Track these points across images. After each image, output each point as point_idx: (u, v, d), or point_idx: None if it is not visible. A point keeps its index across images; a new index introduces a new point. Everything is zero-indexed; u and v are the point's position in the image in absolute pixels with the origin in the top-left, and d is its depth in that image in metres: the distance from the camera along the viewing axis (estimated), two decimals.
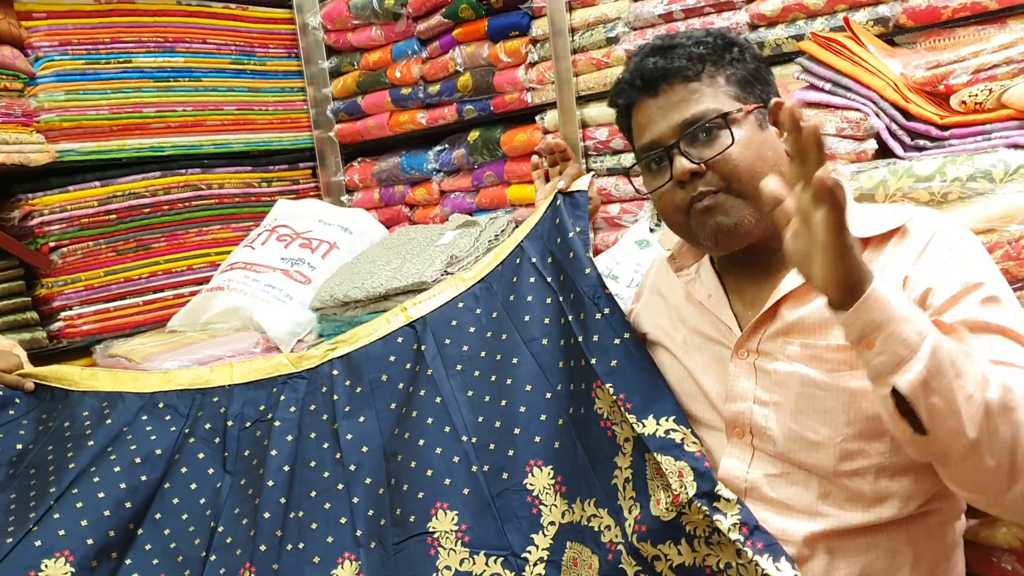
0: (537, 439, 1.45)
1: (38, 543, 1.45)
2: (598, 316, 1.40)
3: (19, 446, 1.66)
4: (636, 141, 1.37)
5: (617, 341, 1.37)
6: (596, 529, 1.34)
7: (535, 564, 1.39)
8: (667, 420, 1.28)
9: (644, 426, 1.28)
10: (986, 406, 1.01)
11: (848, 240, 0.98)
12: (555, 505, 1.41)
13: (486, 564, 1.40)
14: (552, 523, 1.40)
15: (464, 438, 1.50)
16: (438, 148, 2.91)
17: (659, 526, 1.24)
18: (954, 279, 1.16)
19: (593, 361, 1.37)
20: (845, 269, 0.99)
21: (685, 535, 1.23)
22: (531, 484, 1.43)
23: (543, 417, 1.46)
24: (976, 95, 1.67)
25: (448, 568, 1.41)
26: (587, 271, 1.46)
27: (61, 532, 1.46)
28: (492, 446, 1.48)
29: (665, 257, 1.51)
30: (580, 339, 1.41)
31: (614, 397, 1.32)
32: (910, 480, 1.19)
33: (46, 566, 1.43)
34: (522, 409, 1.48)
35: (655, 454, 1.25)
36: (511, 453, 1.46)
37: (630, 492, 1.30)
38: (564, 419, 1.44)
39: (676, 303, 1.43)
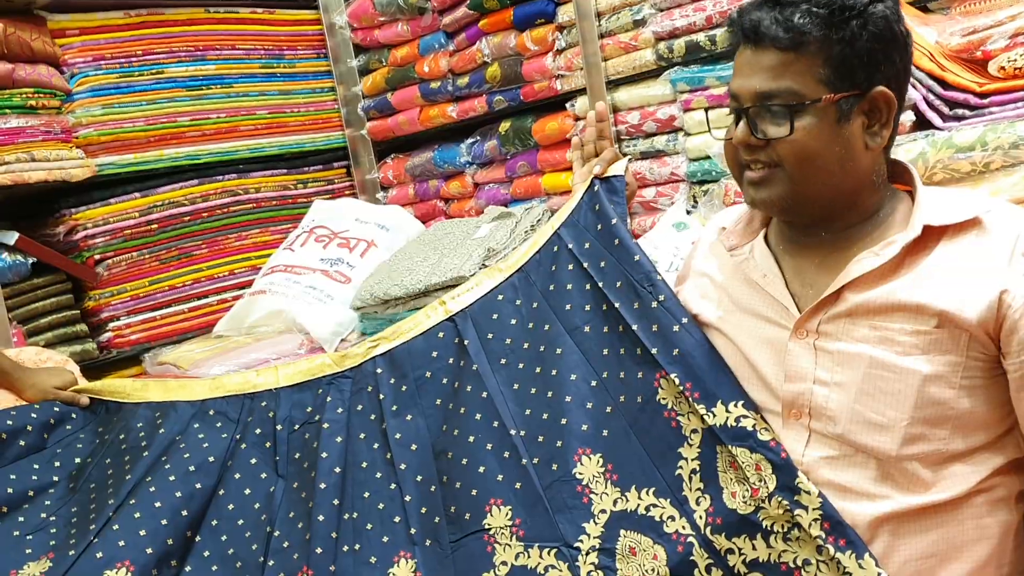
0: (584, 428, 1.45)
1: (99, 555, 1.48)
2: (654, 304, 1.39)
3: (77, 460, 1.70)
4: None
5: (676, 328, 1.36)
6: (657, 519, 1.34)
7: (588, 553, 1.38)
8: (736, 406, 1.27)
9: (714, 415, 1.28)
10: None
11: None
12: (606, 493, 1.40)
13: (540, 557, 1.41)
14: (603, 511, 1.40)
15: (513, 432, 1.50)
16: (470, 140, 2.91)
17: (735, 519, 1.24)
18: None
19: (654, 351, 1.37)
20: None
21: (762, 530, 1.22)
22: (580, 473, 1.43)
23: (589, 405, 1.46)
24: (1015, 60, 1.63)
25: (504, 564, 1.42)
26: (636, 258, 1.45)
27: (121, 543, 1.49)
28: (541, 438, 1.48)
29: (709, 239, 1.49)
30: (636, 328, 1.40)
31: (680, 387, 1.31)
32: (970, 462, 1.18)
33: None
34: (568, 399, 1.47)
35: (729, 446, 1.25)
36: (559, 444, 1.46)
37: (697, 483, 1.30)
38: (613, 406, 1.44)
39: (726, 283, 1.41)
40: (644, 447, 1.39)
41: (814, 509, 1.18)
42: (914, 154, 1.61)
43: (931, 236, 1.21)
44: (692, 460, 1.32)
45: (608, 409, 1.45)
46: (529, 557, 1.41)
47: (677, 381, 1.33)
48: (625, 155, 1.89)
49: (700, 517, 1.28)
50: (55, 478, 1.66)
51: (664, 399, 1.37)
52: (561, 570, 1.38)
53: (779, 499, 1.20)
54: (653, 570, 1.32)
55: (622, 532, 1.38)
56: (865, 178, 1.25)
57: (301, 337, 2.47)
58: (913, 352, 1.17)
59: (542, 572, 1.39)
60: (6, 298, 2.39)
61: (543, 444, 1.48)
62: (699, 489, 1.30)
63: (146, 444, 1.66)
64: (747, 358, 1.34)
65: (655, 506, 1.35)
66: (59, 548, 1.52)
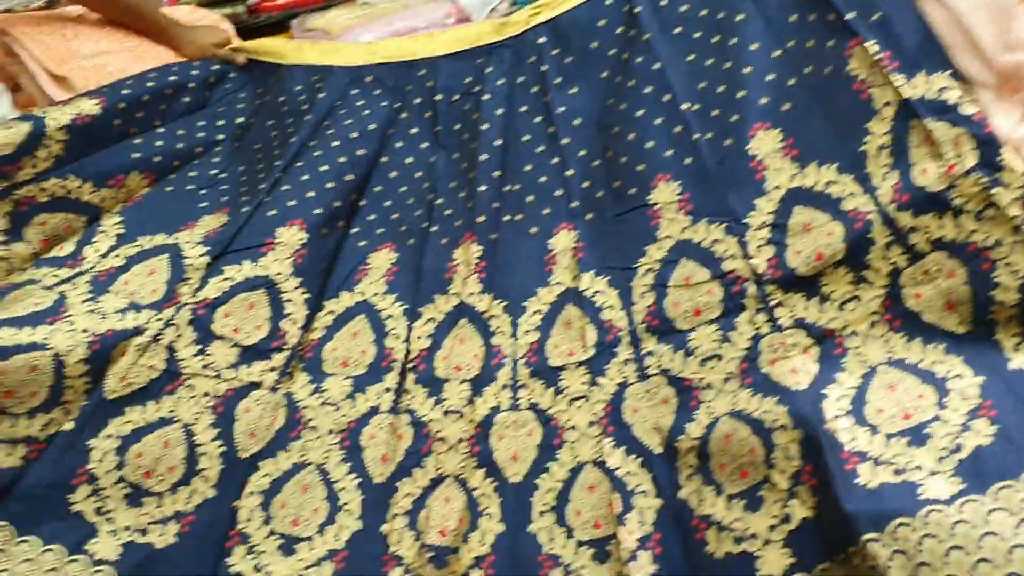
0: (763, 101, 1.34)
1: (272, 212, 1.50)
2: None
3: (240, 120, 1.70)
4: None
5: None
6: (835, 196, 1.25)
7: (759, 228, 1.32)
8: (940, 76, 1.14)
9: (914, 86, 1.15)
10: None
11: None
12: (781, 169, 1.32)
13: (707, 231, 1.36)
14: (778, 187, 1.33)
15: (685, 106, 1.41)
16: None
17: (923, 197, 1.14)
18: None
19: (849, 15, 1.23)
20: None
21: (952, 208, 1.13)
22: (756, 148, 1.34)
23: (771, 77, 1.34)
24: None
25: (669, 237, 1.38)
26: None
27: (291, 202, 1.51)
28: (715, 112, 1.39)
29: None
30: None
31: (876, 56, 1.19)
32: None
33: (280, 233, 1.48)
34: (747, 70, 1.36)
35: (926, 119, 1.13)
36: (735, 118, 1.36)
37: (884, 159, 1.20)
38: (797, 78, 1.32)
39: None
40: (828, 121, 1.28)
41: (1016, 187, 1.07)
42: None
43: None
44: (881, 135, 1.21)
45: (791, 81, 1.33)
46: (695, 232, 1.37)
47: (874, 49, 1.20)
48: None
49: (884, 194, 1.19)
50: (220, 136, 1.67)
51: (856, 69, 1.24)
52: (729, 244, 1.32)
53: (977, 176, 1.09)
54: (828, 245, 1.25)
55: (796, 208, 1.30)
56: None
57: (449, 6, 2.37)
58: None
59: (708, 246, 1.34)
60: None
61: (717, 119, 1.39)
62: (886, 165, 1.20)
63: (307, 108, 1.64)
64: (960, 22, 1.18)
65: (835, 183, 1.26)
66: (232, 204, 1.56)
